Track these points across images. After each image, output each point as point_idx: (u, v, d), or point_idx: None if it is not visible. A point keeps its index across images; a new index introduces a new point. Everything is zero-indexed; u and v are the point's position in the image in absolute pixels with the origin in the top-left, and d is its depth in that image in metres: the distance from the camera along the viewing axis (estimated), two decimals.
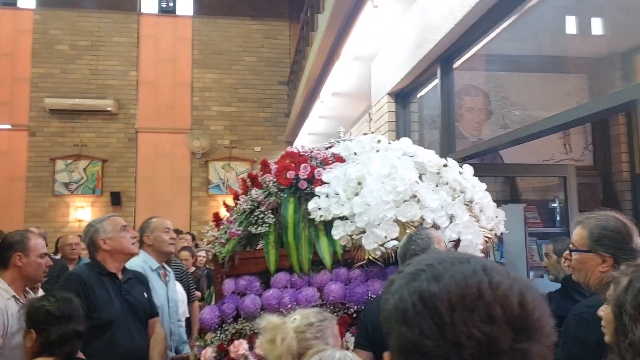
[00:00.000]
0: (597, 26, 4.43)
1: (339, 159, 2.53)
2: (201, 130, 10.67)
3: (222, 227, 2.42)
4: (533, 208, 5.46)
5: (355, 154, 2.55)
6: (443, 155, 4.19)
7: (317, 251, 2.27)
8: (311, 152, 2.57)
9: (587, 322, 1.68)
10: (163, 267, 3.31)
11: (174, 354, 3.16)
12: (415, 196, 2.23)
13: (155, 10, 10.96)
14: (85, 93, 10.31)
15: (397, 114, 5.34)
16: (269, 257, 2.26)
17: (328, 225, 2.29)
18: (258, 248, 2.34)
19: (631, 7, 3.85)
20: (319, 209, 2.29)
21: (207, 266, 6.76)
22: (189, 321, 4.07)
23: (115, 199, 10.08)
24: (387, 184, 2.27)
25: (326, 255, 2.24)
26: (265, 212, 2.31)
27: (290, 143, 10.89)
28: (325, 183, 2.38)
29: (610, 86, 5.38)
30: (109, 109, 10.20)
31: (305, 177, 2.38)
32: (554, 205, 5.42)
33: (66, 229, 9.80)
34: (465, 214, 2.31)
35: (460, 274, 0.65)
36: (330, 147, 2.70)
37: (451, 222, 2.27)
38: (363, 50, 5.38)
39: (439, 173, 2.44)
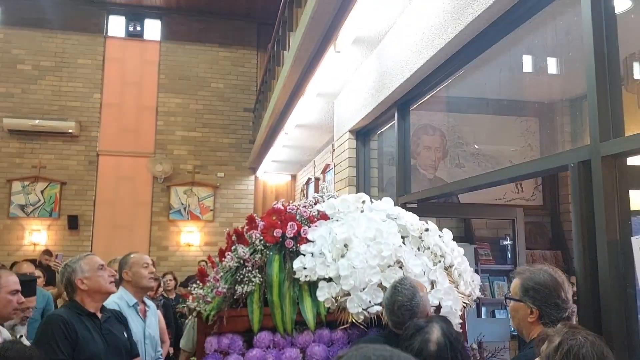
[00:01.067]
0: (547, 74, 4.70)
1: (324, 216, 2.55)
2: (164, 155, 10.62)
3: (208, 284, 2.39)
4: (486, 245, 5.67)
5: (339, 211, 2.58)
6: (399, 194, 4.37)
7: (300, 311, 2.28)
8: (297, 209, 2.57)
9: None
10: (143, 302, 3.29)
11: None
12: (399, 261, 2.29)
13: (122, 34, 10.94)
14: (47, 114, 10.14)
15: (357, 150, 5.50)
16: (253, 316, 2.26)
17: (312, 285, 2.31)
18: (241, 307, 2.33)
19: (577, 57, 4.13)
20: (304, 268, 2.31)
21: (164, 295, 6.68)
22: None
23: (73, 223, 9.87)
24: (372, 247, 2.31)
25: (310, 317, 2.25)
26: (252, 271, 2.32)
27: (254, 170, 10.95)
28: (310, 241, 2.40)
29: (559, 130, 5.68)
30: (70, 130, 10.05)
31: (292, 235, 2.39)
32: (506, 242, 5.65)
33: (20, 252, 9.54)
34: (446, 280, 2.35)
35: None
36: (315, 203, 2.72)
37: (432, 287, 2.31)
38: (326, 89, 5.56)
39: (420, 237, 2.49)
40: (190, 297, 2.39)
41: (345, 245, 2.34)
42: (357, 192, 5.42)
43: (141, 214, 10.37)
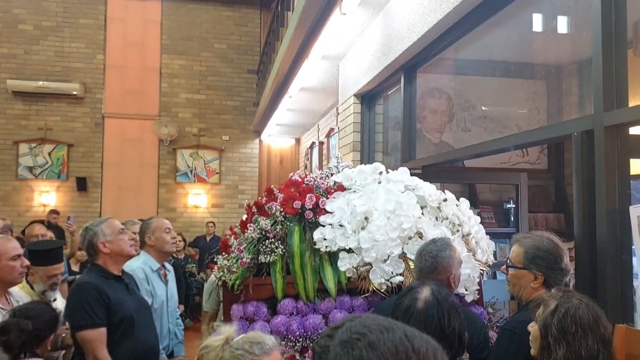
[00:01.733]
0: (556, 34, 4.63)
1: (341, 187, 2.59)
2: (169, 117, 10.61)
3: (232, 255, 2.46)
4: (489, 209, 5.72)
5: (356, 182, 2.60)
6: (404, 160, 4.40)
7: (321, 279, 2.36)
8: (315, 181, 2.61)
9: (519, 337, 1.85)
10: (163, 266, 3.35)
11: (164, 357, 3.14)
12: (419, 233, 2.33)
13: None
14: (50, 75, 10.10)
15: (362, 114, 5.50)
16: (277, 285, 2.34)
17: (332, 255, 2.38)
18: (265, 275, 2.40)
19: (586, 18, 4.07)
20: (324, 239, 2.36)
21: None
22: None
23: (81, 185, 9.98)
24: (392, 220, 2.34)
25: (331, 285, 2.33)
26: (275, 242, 2.38)
27: (259, 133, 10.95)
28: (328, 212, 2.45)
29: (567, 92, 5.63)
30: (74, 92, 10.02)
31: (310, 207, 2.44)
32: (509, 206, 5.70)
33: (30, 213, 9.70)
34: (464, 249, 2.38)
35: (391, 343, 0.80)
36: (331, 175, 2.74)
37: None
38: (331, 51, 5.50)
39: (439, 207, 2.52)
40: (216, 267, 2.46)
41: (366, 218, 2.38)
42: (361, 157, 5.48)
43: (148, 176, 10.46)
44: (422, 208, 2.50)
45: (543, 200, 6.15)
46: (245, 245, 2.40)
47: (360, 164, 5.42)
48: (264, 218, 2.44)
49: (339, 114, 6.40)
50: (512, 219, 5.66)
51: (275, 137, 11.02)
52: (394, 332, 0.82)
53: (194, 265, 7.13)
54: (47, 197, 9.90)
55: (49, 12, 10.26)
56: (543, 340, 1.58)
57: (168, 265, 3.50)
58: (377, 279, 2.27)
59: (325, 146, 8.44)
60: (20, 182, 9.92)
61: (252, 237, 2.40)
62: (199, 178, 10.64)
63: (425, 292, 1.74)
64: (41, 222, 6.93)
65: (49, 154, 10.02)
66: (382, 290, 2.28)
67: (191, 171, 10.61)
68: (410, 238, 2.33)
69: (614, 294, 1.93)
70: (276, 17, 7.53)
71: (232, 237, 2.63)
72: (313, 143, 9.31)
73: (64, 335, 2.71)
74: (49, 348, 2.37)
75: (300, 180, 2.59)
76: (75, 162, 10.16)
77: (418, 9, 3.69)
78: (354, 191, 2.56)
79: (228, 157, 10.88)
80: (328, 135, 8.14)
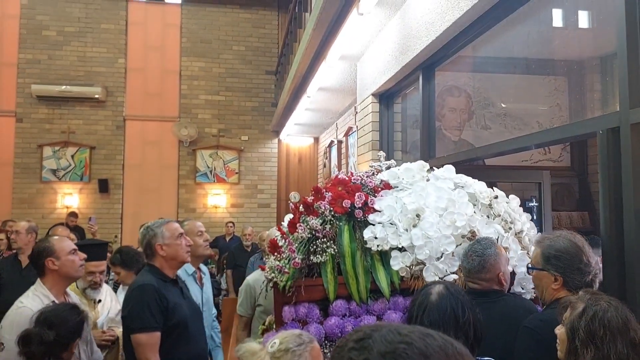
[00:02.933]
0: (577, 29, 4.55)
1: (387, 186, 2.54)
2: (189, 119, 10.71)
3: (283, 255, 2.40)
4: None
5: (403, 181, 2.55)
6: (424, 158, 4.36)
7: (374, 280, 2.31)
8: (361, 179, 2.56)
9: (539, 335, 1.83)
10: (199, 269, 3.34)
11: None
12: (472, 231, 2.28)
13: None
14: (73, 80, 10.27)
15: (380, 114, 5.47)
16: (329, 286, 2.29)
17: (384, 254, 2.33)
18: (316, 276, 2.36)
19: (609, 12, 3.99)
20: (375, 238, 2.31)
21: None
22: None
23: (103, 186, 10.13)
24: (445, 217, 2.30)
25: (384, 285, 2.28)
26: (327, 242, 2.33)
27: (277, 132, 10.99)
28: (377, 211, 2.40)
29: (589, 88, 5.53)
30: (96, 96, 10.18)
31: (360, 205, 2.39)
32: (532, 204, 5.61)
33: (54, 215, 9.88)
34: (518, 247, 2.34)
35: (439, 348, 0.74)
36: (377, 173, 2.69)
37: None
38: (349, 51, 5.49)
39: (490, 205, 2.46)
40: (267, 268, 2.42)
41: (417, 216, 2.33)
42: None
43: (168, 177, 10.58)
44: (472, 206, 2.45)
45: (567, 198, 6.06)
46: (296, 245, 2.35)
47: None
48: (314, 217, 2.38)
49: (357, 112, 6.38)
50: (534, 217, 5.57)
51: (294, 137, 11.05)
52: (433, 338, 0.76)
53: (213, 265, 7.18)
54: (70, 199, 10.07)
55: (71, 18, 10.44)
56: (570, 343, 1.54)
57: (204, 268, 3.47)
58: (430, 277, 2.21)
59: (344, 145, 8.43)
60: (44, 185, 10.11)
61: (302, 237, 2.35)
62: (218, 178, 10.71)
63: (438, 287, 1.74)
64: (63, 224, 7.06)
65: (72, 156, 10.19)
66: None
67: (211, 171, 10.69)
68: (463, 237, 2.28)
69: None
70: (294, 19, 7.54)
71: (281, 237, 2.57)
72: (332, 142, 9.30)
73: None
74: (74, 351, 2.40)
75: (347, 178, 2.55)
76: (98, 164, 10.32)
77: (435, 8, 3.66)
78: (401, 189, 2.51)
79: (247, 157, 10.94)
80: (347, 134, 8.12)
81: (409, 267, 2.27)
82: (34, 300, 2.49)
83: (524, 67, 5.53)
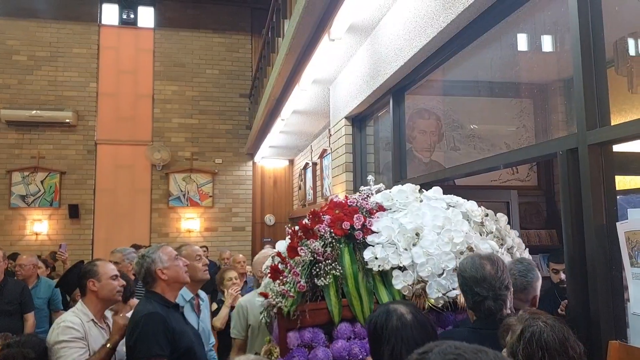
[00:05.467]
0: (541, 54, 4.73)
1: (381, 208, 2.59)
2: (162, 142, 10.65)
3: (287, 279, 2.36)
4: None
5: (397, 202, 2.60)
6: (395, 180, 4.44)
7: (377, 300, 2.30)
8: (357, 202, 2.60)
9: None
10: (197, 295, 3.26)
11: None
12: (470, 247, 2.32)
13: (116, 22, 10.89)
14: (43, 104, 10.14)
15: (353, 136, 5.56)
16: (333, 309, 2.28)
17: (384, 274, 2.34)
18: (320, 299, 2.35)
19: (568, 36, 4.15)
20: (376, 258, 2.34)
21: None
22: None
23: (73, 212, 9.94)
24: (443, 235, 2.35)
25: None
26: (332, 264, 2.33)
27: (252, 155, 11.00)
28: (374, 232, 2.43)
29: (554, 110, 5.73)
30: (67, 120, 10.06)
31: (359, 227, 2.42)
32: None
33: (22, 242, 9.64)
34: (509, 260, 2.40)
35: None
36: (368, 197, 2.71)
37: None
38: (321, 75, 5.59)
39: (482, 223, 2.53)
40: (270, 294, 2.38)
41: (417, 234, 2.38)
42: (354, 177, 5.52)
43: (141, 202, 10.45)
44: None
45: (535, 216, 6.20)
46: (299, 268, 2.34)
47: (353, 184, 5.49)
48: (314, 240, 2.39)
49: (331, 135, 6.46)
50: None
51: (269, 159, 11.08)
52: (487, 354, 0.83)
53: None
54: (39, 225, 9.85)
55: (42, 43, 10.36)
56: None
57: (203, 294, 3.38)
58: (434, 294, 2.25)
59: (318, 167, 8.49)
60: (13, 211, 9.87)
61: (304, 260, 2.35)
62: (192, 202, 10.63)
63: (402, 310, 1.75)
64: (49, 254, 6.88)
65: (42, 182, 10.00)
66: (439, 306, 2.26)
67: (184, 195, 10.61)
68: (462, 253, 2.32)
69: (605, 310, 1.95)
70: (267, 43, 7.64)
71: (277, 260, 2.54)
72: (307, 164, 9.36)
73: None
74: None
75: (344, 202, 2.59)
76: (68, 189, 10.14)
77: (404, 34, 3.78)
78: (395, 210, 2.56)
79: (221, 180, 10.90)
80: (321, 156, 8.19)
81: (411, 285, 2.29)
82: (74, 318, 2.63)
83: (491, 90, 5.70)
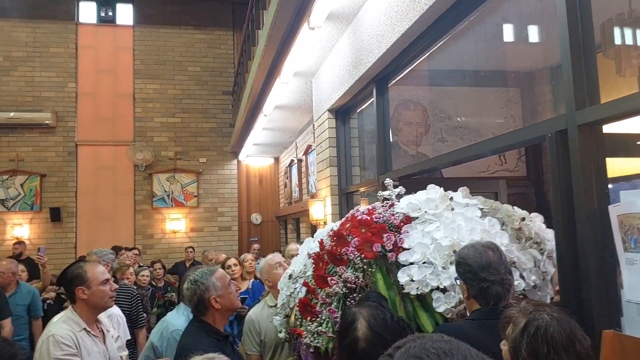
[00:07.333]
0: (527, 42, 4.65)
1: (408, 219, 2.31)
2: (144, 142, 10.46)
3: (323, 317, 2.17)
4: None
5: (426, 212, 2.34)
6: (380, 172, 4.32)
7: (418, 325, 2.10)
8: (383, 217, 2.31)
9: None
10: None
11: None
12: (512, 261, 2.10)
13: (94, 20, 10.67)
14: (21, 106, 9.91)
15: (337, 129, 5.44)
16: None
17: (422, 297, 2.13)
18: None
19: (554, 24, 4.07)
20: (412, 280, 2.11)
21: (154, 283, 6.61)
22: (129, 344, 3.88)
23: (55, 215, 9.73)
24: None
25: (430, 330, 2.07)
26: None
27: (236, 154, 10.85)
28: (405, 249, 2.19)
29: (541, 99, 5.66)
30: (46, 122, 9.84)
31: (390, 247, 2.18)
32: None
33: (3, 247, 9.40)
34: (553, 268, 2.19)
35: None
36: (391, 206, 2.43)
37: (544, 280, 2.16)
38: (303, 68, 5.46)
39: (520, 228, 2.32)
40: (304, 333, 2.20)
41: (454, 252, 2.13)
42: (338, 172, 5.40)
43: (124, 203, 10.25)
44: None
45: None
46: (334, 304, 2.14)
47: (338, 179, 5.37)
48: (344, 268, 2.17)
49: (315, 130, 6.33)
50: None
51: (254, 157, 10.93)
52: (452, 357, 0.77)
53: (173, 293, 6.90)
54: (20, 229, 9.62)
55: (19, 43, 10.12)
56: None
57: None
58: None
59: (304, 163, 8.37)
60: None
61: (336, 292, 2.13)
62: (176, 202, 10.45)
63: (362, 329, 1.67)
64: (17, 258, 6.70)
65: (22, 185, 9.77)
66: None
67: (168, 196, 10.43)
68: None
69: (598, 297, 1.85)
70: (247, 37, 7.49)
71: (306, 292, 2.31)
72: (292, 161, 9.23)
73: None
74: None
75: (369, 218, 2.31)
76: (49, 192, 9.91)
77: (386, 20, 3.66)
78: (423, 221, 2.30)
79: (206, 180, 10.73)
80: (306, 153, 8.07)
81: (454, 307, 2.07)
82: (64, 327, 2.39)
83: (478, 79, 5.62)
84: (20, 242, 8.48)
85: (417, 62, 3.92)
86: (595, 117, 1.85)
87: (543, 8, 3.75)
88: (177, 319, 2.84)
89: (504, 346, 1.50)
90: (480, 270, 1.79)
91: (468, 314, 1.92)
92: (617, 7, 3.15)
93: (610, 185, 2.05)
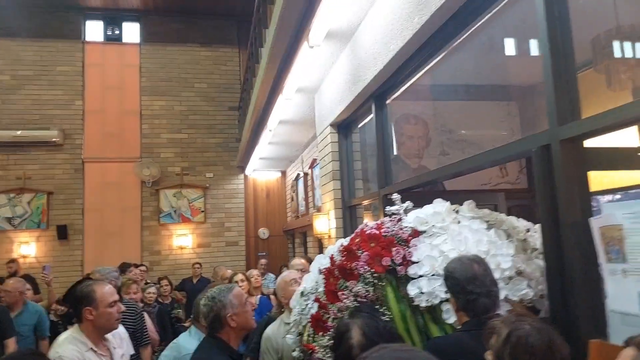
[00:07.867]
0: (524, 56, 4.72)
1: (416, 233, 2.36)
2: (151, 158, 10.58)
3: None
4: None
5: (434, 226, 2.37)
6: (381, 186, 4.38)
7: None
8: (391, 231, 2.37)
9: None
10: None
11: None
12: (519, 271, 2.16)
13: (101, 39, 10.87)
14: (28, 124, 10.07)
15: (339, 143, 5.51)
16: None
17: (432, 309, 2.16)
18: None
19: (539, 41, 4.13)
20: (422, 293, 2.15)
21: (160, 300, 6.61)
22: None
23: (62, 233, 9.81)
24: (490, 261, 2.13)
25: None
26: (381, 308, 2.15)
27: (243, 168, 10.94)
28: (414, 262, 2.24)
29: (539, 112, 5.71)
30: (54, 139, 9.98)
31: (400, 261, 2.23)
32: None
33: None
34: None
35: None
36: (400, 220, 2.48)
37: None
38: (305, 83, 5.56)
39: (525, 239, 2.36)
40: (317, 349, 2.24)
41: None
42: (341, 185, 5.46)
43: (131, 220, 10.35)
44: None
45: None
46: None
47: (341, 192, 5.43)
48: (354, 282, 2.21)
49: (318, 144, 6.42)
50: None
51: (260, 171, 11.02)
52: None
53: (180, 310, 6.93)
54: (26, 248, 9.70)
55: (26, 62, 10.31)
56: None
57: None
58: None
59: (309, 177, 8.44)
60: None
61: (347, 306, 2.17)
62: (183, 218, 10.54)
63: (356, 336, 1.71)
64: (24, 276, 6.76)
65: (28, 203, 9.88)
66: None
67: (175, 211, 10.51)
68: (510, 279, 2.15)
69: (584, 308, 1.89)
70: (252, 54, 7.62)
71: (317, 307, 2.35)
72: (298, 175, 9.30)
73: None
74: None
75: (377, 232, 2.37)
76: (56, 210, 10.03)
77: (382, 38, 3.75)
78: (431, 235, 2.35)
79: (213, 195, 10.82)
80: (312, 166, 8.14)
81: None
82: (70, 348, 2.40)
83: (477, 93, 5.68)
84: (13, 261, 8.42)
85: (414, 78, 4.00)
86: (576, 132, 1.91)
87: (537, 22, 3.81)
88: (190, 342, 2.83)
89: (489, 356, 1.56)
90: (466, 283, 1.85)
91: (459, 327, 1.97)
92: (606, 23, 3.22)
93: (600, 198, 2.10)
